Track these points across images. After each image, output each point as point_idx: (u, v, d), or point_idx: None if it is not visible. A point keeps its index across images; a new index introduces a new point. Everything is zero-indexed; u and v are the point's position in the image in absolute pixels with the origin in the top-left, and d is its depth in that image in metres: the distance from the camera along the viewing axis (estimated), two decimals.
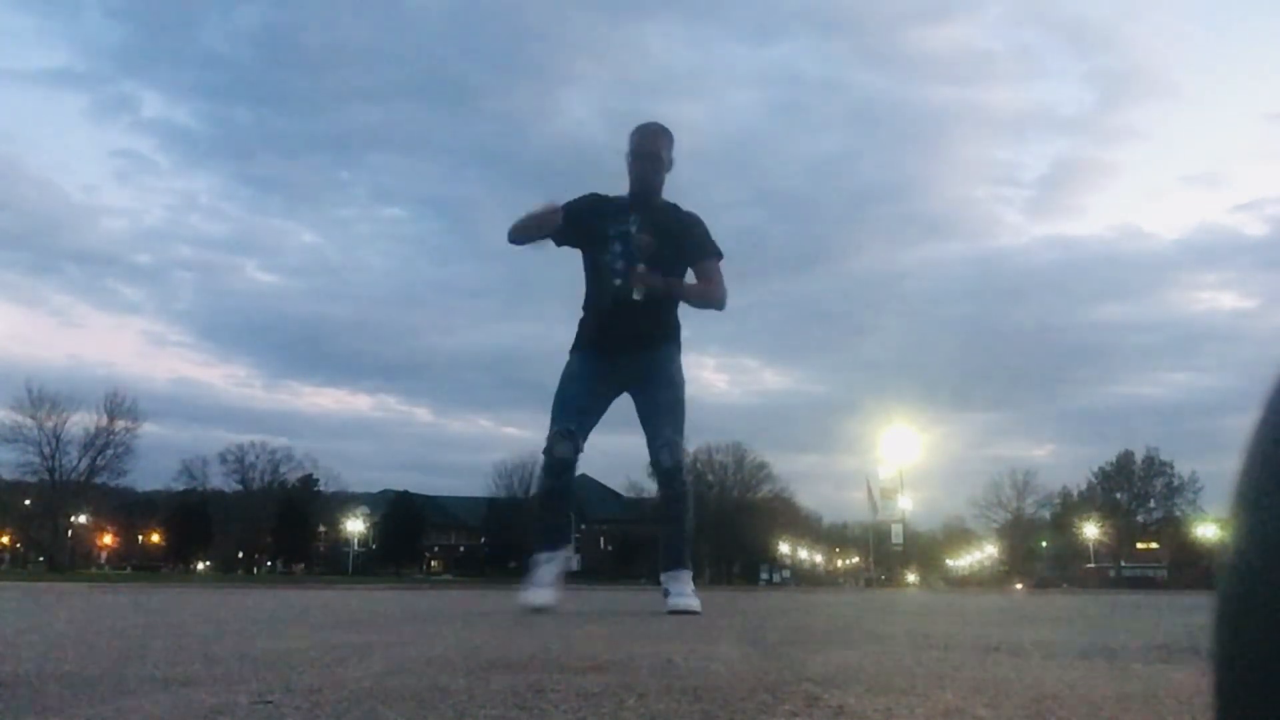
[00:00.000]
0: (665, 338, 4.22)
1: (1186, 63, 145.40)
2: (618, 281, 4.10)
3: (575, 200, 4.23)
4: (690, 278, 4.24)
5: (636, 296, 4.09)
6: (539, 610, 3.78)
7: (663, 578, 4.17)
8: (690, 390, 4.28)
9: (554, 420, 4.08)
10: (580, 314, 4.29)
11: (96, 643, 2.27)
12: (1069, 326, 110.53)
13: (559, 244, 4.24)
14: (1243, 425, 0.41)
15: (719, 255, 4.25)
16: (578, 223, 4.17)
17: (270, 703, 1.25)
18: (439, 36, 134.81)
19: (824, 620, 4.14)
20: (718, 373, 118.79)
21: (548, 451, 4.05)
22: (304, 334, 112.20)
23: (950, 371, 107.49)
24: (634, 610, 4.61)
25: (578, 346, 4.23)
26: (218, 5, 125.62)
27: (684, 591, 4.06)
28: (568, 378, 4.16)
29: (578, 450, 4.07)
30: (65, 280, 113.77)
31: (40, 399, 58.50)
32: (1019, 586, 47.48)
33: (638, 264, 4.08)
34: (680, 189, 4.30)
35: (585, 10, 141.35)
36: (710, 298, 4.22)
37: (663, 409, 4.14)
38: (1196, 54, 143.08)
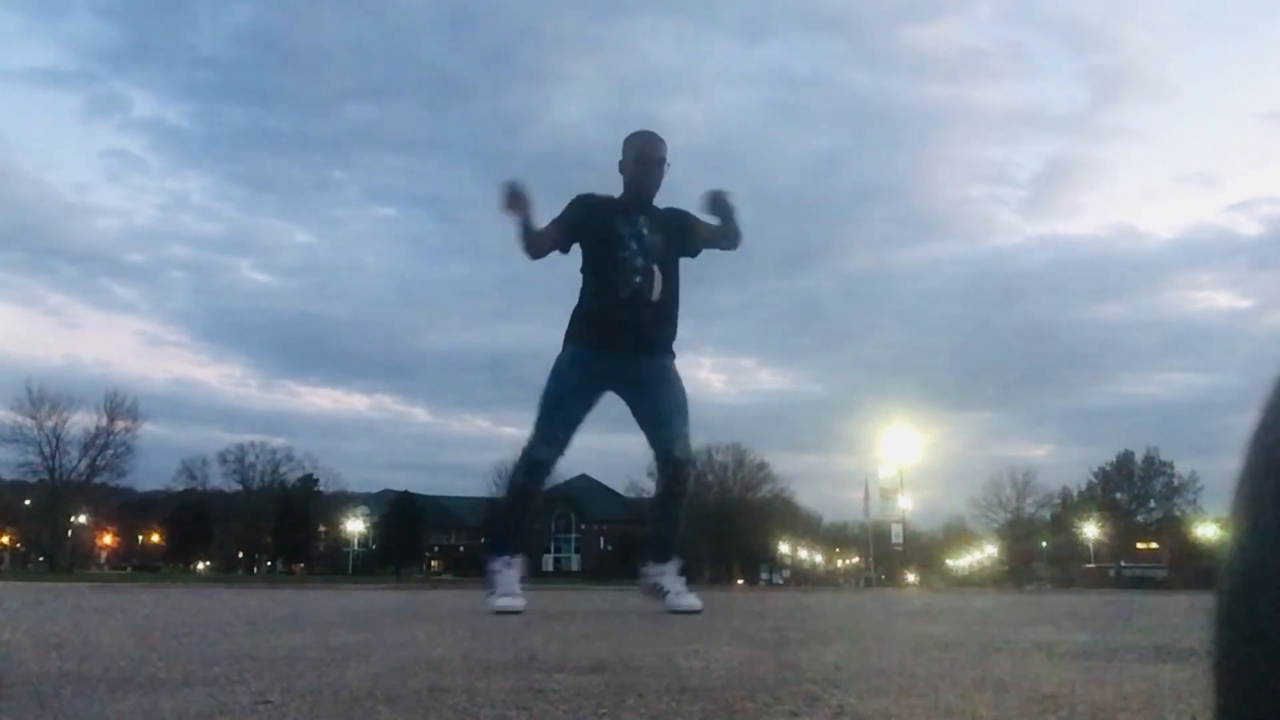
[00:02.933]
0: (667, 349, 4.22)
1: (1180, 61, 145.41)
2: (638, 279, 4.10)
3: (578, 202, 4.23)
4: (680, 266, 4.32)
5: (654, 298, 4.10)
6: (512, 614, 3.72)
7: (650, 570, 4.15)
8: (688, 390, 4.28)
9: (541, 419, 4.06)
10: (575, 308, 4.23)
11: (97, 643, 2.27)
12: (1066, 326, 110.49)
13: (567, 249, 4.22)
14: (1243, 425, 0.41)
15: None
16: (585, 221, 4.18)
17: (270, 703, 1.25)
18: (431, 36, 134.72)
19: (824, 620, 4.13)
20: (715, 373, 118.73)
21: (528, 451, 4.05)
22: (299, 334, 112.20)
23: (948, 371, 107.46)
24: (634, 610, 4.61)
25: (574, 340, 4.17)
26: (208, 4, 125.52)
27: (681, 589, 4.07)
28: (559, 376, 4.11)
29: (560, 455, 4.09)
30: (60, 280, 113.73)
31: (40, 399, 58.70)
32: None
33: (654, 264, 4.12)
34: (674, 188, 4.33)
35: (577, 9, 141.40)
36: (732, 235, 4.33)
37: (672, 404, 4.14)
38: (1190, 53, 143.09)
